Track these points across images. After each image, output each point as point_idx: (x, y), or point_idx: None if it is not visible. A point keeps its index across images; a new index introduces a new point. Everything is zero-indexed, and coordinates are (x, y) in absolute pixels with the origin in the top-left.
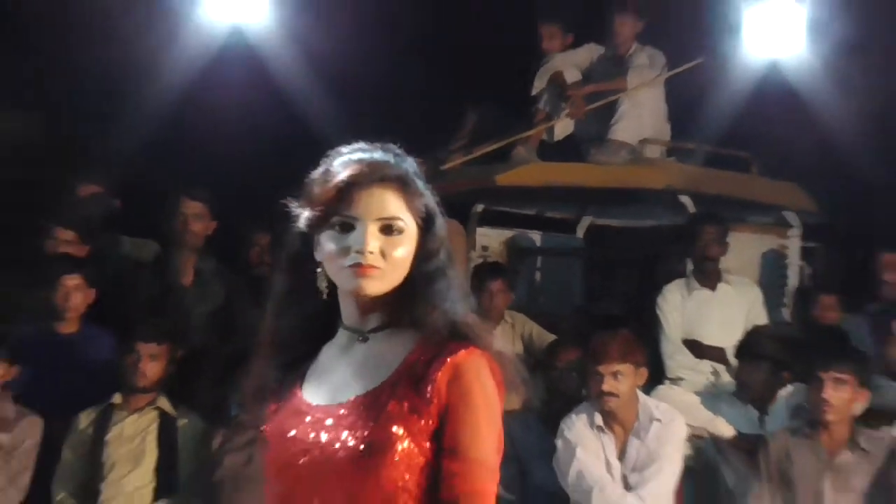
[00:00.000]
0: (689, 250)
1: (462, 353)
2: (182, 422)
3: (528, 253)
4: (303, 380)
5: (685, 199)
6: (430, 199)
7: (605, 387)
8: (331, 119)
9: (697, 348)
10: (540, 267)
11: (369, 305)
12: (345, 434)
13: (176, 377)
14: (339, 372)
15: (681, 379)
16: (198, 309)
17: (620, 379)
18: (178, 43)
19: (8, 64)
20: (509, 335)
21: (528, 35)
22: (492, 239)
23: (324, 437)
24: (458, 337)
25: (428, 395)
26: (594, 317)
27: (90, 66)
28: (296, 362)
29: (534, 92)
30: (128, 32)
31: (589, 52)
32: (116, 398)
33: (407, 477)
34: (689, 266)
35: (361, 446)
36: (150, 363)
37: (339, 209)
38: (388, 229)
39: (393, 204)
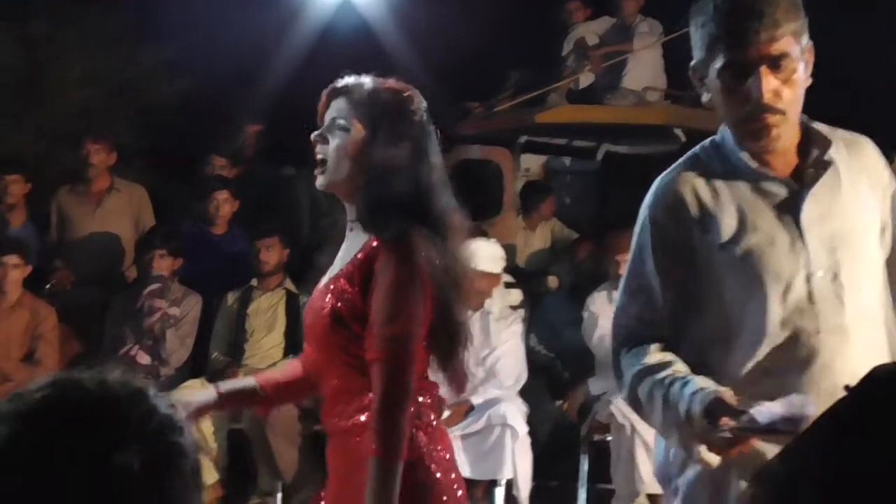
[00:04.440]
0: None
1: (377, 248)
2: (304, 298)
3: (559, 173)
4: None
5: (678, 132)
6: (385, 111)
7: (622, 271)
8: (418, 73)
9: None
10: (568, 183)
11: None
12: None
13: (301, 264)
14: (335, 260)
15: None
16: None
17: None
18: (301, 14)
19: (180, 37)
20: (547, 232)
21: (555, 13)
22: (532, 162)
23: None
24: (384, 234)
25: (353, 282)
26: (609, 219)
27: (237, 35)
28: None
29: (563, 53)
30: (261, 8)
31: (604, 23)
32: (254, 281)
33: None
34: None
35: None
36: (267, 253)
37: None
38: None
39: (336, 109)
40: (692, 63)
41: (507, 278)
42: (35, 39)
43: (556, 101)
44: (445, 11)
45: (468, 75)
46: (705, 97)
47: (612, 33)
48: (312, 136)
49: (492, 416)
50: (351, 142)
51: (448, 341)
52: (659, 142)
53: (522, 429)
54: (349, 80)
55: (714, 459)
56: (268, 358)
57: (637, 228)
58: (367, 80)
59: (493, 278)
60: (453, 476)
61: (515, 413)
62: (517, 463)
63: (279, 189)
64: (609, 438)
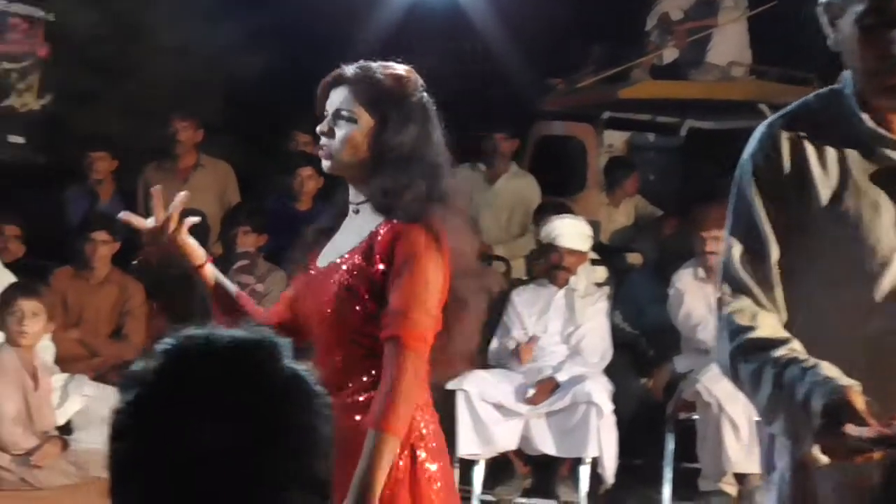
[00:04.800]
0: None
1: (396, 228)
2: None
3: (642, 149)
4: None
5: (763, 107)
6: (389, 98)
7: (708, 247)
8: (509, 52)
9: None
10: (651, 159)
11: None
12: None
13: None
14: (338, 238)
15: None
16: None
17: (720, 240)
18: None
19: (267, 11)
20: (631, 209)
21: None
22: (616, 138)
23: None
24: (401, 215)
25: (371, 261)
26: (694, 195)
27: (325, 9)
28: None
29: (647, 28)
30: None
31: None
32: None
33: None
34: None
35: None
36: None
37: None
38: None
39: (339, 99)
40: None
41: (593, 255)
42: (121, 14)
43: (639, 76)
44: None
45: (551, 51)
46: (832, 39)
47: (697, 8)
48: (318, 129)
49: (577, 394)
50: (359, 131)
51: (454, 320)
52: (744, 117)
53: (608, 407)
54: (349, 69)
55: (823, 459)
56: None
57: (737, 175)
58: (367, 68)
59: (580, 255)
60: (447, 455)
61: (601, 391)
62: (602, 441)
63: None
64: (695, 417)
